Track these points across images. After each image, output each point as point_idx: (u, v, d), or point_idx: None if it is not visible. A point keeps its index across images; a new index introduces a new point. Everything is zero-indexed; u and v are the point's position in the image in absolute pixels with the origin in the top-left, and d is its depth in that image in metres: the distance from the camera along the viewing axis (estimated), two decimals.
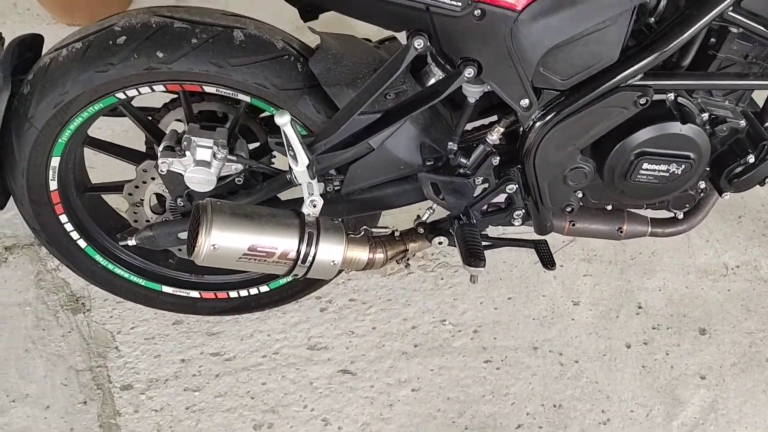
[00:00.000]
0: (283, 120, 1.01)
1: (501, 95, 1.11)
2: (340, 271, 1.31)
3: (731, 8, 1.07)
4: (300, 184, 1.12)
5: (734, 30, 1.14)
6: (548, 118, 1.14)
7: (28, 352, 1.55)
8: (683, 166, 1.20)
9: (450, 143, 1.19)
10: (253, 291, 1.53)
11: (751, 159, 1.23)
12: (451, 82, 1.06)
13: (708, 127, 1.21)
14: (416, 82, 1.16)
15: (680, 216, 1.40)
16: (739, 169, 1.26)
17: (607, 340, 1.63)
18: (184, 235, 1.29)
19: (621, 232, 1.41)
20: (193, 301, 1.54)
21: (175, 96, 1.35)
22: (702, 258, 1.80)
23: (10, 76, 1.14)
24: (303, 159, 1.05)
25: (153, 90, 1.17)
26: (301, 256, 1.12)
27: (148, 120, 1.32)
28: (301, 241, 1.11)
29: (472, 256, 1.15)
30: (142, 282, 1.49)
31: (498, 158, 1.20)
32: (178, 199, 1.29)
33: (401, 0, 0.96)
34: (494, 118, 1.27)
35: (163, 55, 1.12)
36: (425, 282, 1.72)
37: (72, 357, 1.55)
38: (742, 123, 1.24)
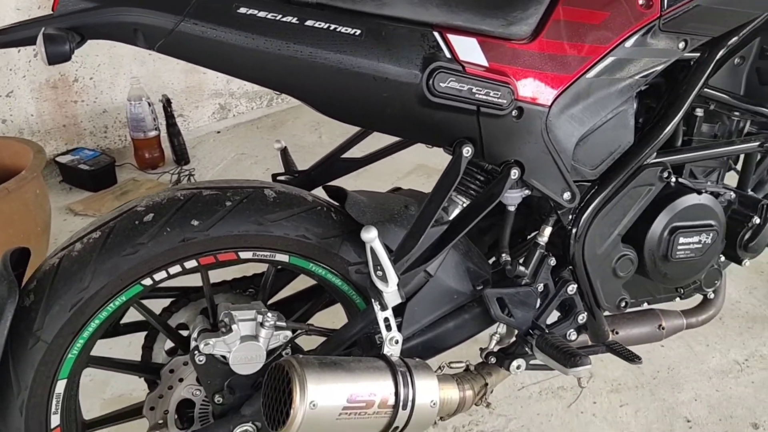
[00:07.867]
0: (370, 235, 0.93)
1: (544, 191, 1.12)
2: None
3: (704, 86, 1.22)
4: (378, 328, 1.01)
5: (699, 114, 1.30)
6: (588, 210, 1.17)
7: None
8: (711, 235, 1.26)
9: (503, 255, 1.16)
10: None
11: (757, 221, 1.32)
12: (501, 184, 1.07)
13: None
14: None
15: (711, 296, 1.42)
16: (749, 234, 1.34)
17: None
18: None
19: (662, 329, 1.39)
20: None
21: (174, 298, 1.24)
22: (713, 362, 1.80)
23: (16, 283, 0.97)
24: (393, 277, 0.95)
25: (184, 268, 1.05)
26: (401, 400, 0.96)
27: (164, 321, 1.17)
28: (396, 382, 0.97)
29: (573, 356, 1.06)
30: None
31: (554, 259, 1.18)
32: (216, 396, 1.09)
33: (455, 104, 0.99)
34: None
35: (199, 222, 1.03)
36: None
37: None
38: (732, 194, 1.35)
